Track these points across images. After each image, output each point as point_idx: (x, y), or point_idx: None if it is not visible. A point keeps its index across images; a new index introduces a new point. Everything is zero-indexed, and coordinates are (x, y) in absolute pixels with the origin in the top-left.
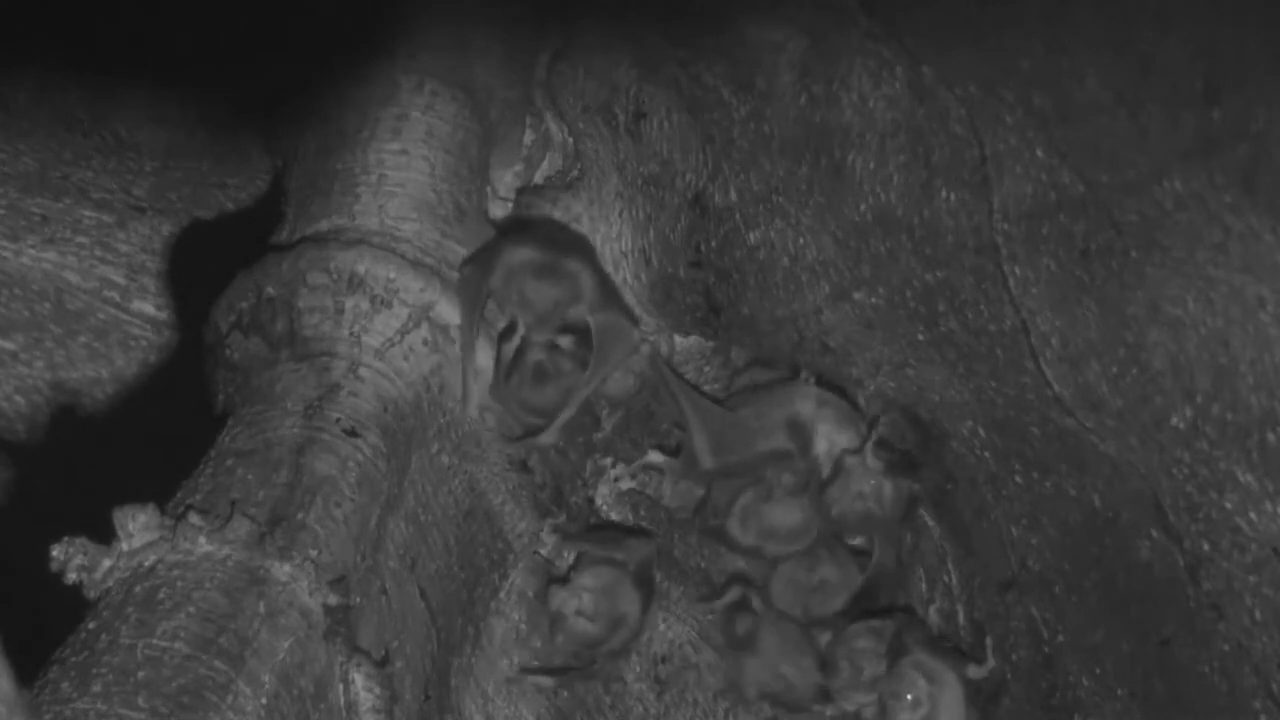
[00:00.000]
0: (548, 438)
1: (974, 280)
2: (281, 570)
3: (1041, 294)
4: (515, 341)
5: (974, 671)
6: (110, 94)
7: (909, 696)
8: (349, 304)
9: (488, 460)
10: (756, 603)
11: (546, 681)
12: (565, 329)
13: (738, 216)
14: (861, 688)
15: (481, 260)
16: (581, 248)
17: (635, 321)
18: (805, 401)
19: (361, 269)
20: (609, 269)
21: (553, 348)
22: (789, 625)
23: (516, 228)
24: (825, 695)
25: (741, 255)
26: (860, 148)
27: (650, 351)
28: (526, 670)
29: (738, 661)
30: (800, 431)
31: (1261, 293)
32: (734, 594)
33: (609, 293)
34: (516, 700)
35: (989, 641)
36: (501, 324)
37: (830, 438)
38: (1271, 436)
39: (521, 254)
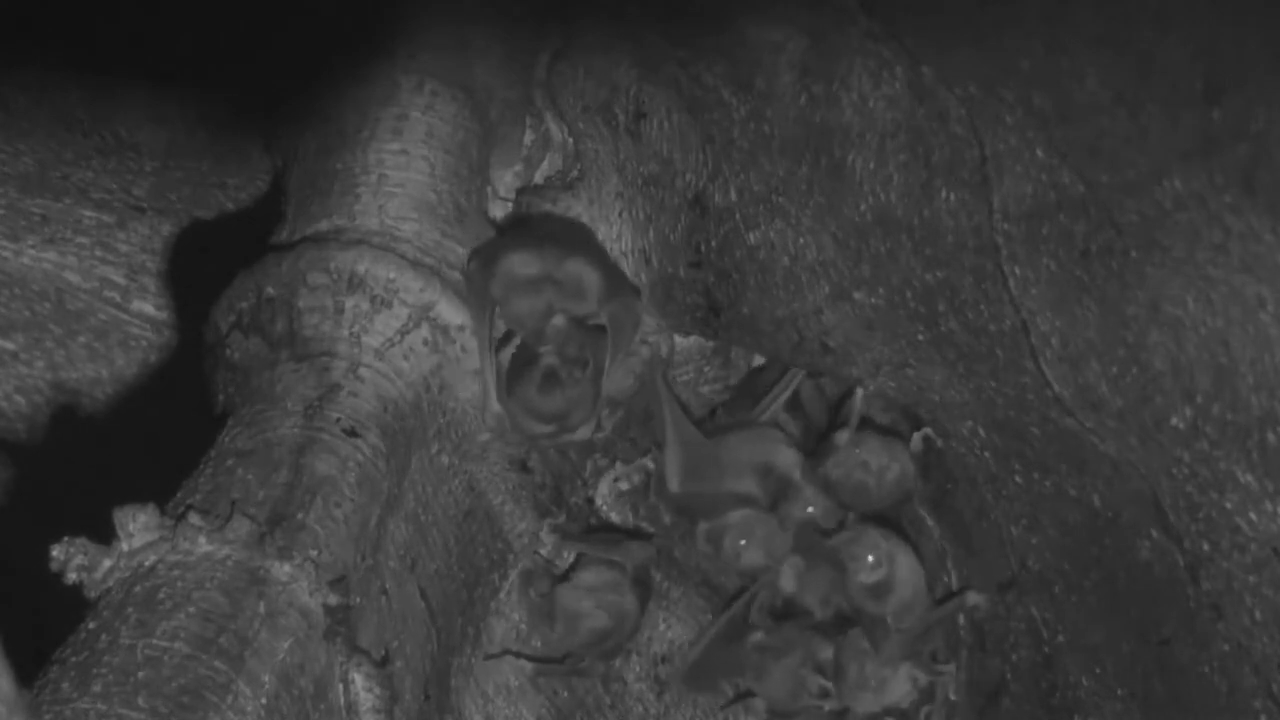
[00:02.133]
0: (583, 434)
1: (974, 280)
2: (281, 570)
3: (1041, 294)
4: (510, 349)
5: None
6: (110, 94)
7: (869, 558)
8: (349, 304)
9: (488, 460)
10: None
11: (527, 667)
12: (574, 330)
13: (738, 216)
14: (869, 687)
15: (484, 262)
16: (582, 243)
17: (639, 293)
18: (786, 454)
19: (361, 269)
20: None
21: (565, 354)
22: (798, 634)
23: (516, 229)
24: (824, 693)
25: (741, 255)
26: (860, 148)
27: (650, 355)
28: (509, 652)
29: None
30: (772, 482)
31: (1261, 293)
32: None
33: (614, 280)
34: (516, 700)
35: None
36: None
37: None
38: (1271, 436)
39: (517, 263)
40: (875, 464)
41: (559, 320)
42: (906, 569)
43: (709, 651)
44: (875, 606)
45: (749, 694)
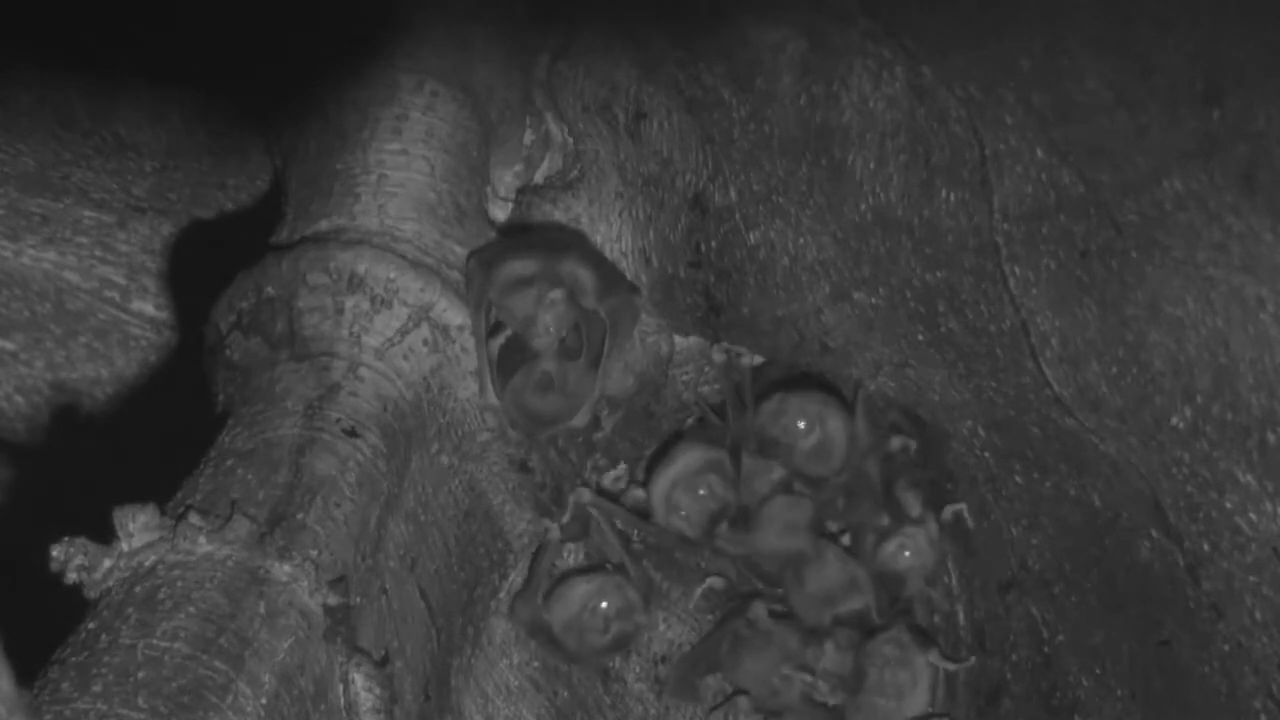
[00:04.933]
0: (580, 420)
1: (974, 280)
2: (281, 570)
3: (1041, 294)
4: (500, 339)
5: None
6: (110, 94)
7: (799, 424)
8: (349, 304)
9: (488, 460)
10: (755, 610)
11: (528, 666)
12: (570, 311)
13: (738, 216)
14: (887, 693)
15: (482, 265)
16: (579, 245)
17: (637, 291)
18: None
19: (361, 269)
20: None
21: (562, 357)
22: (786, 631)
23: (515, 235)
24: (810, 701)
25: (741, 255)
26: (860, 148)
27: (654, 348)
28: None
29: (734, 659)
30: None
31: (1261, 293)
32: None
33: (609, 278)
34: (516, 701)
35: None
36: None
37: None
38: (1271, 436)
39: (516, 268)
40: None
41: (556, 294)
42: (835, 427)
43: (696, 656)
44: (820, 468)
45: (738, 693)
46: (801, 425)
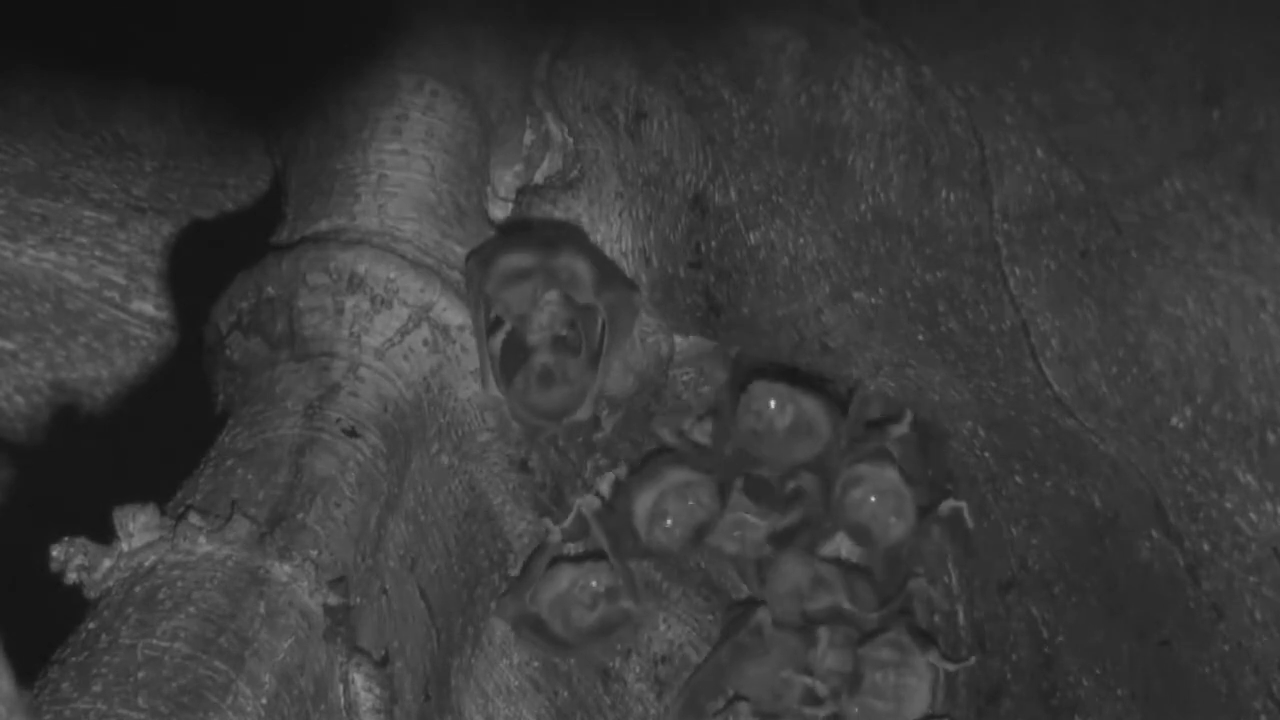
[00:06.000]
0: (584, 413)
1: (974, 280)
2: (281, 570)
3: (1041, 294)
4: (501, 335)
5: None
6: (110, 94)
7: (770, 403)
8: (349, 304)
9: (488, 460)
10: (761, 617)
11: (528, 666)
12: (567, 309)
13: (738, 216)
14: (885, 695)
15: (480, 262)
16: (573, 238)
17: (635, 288)
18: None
19: (361, 269)
20: None
21: (560, 351)
22: (785, 636)
23: (513, 231)
24: (813, 699)
25: (741, 255)
26: (860, 148)
27: (654, 348)
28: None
29: (738, 666)
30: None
31: (1261, 293)
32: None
33: (607, 272)
34: (516, 701)
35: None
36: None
37: None
38: (1271, 436)
39: (513, 261)
40: (887, 511)
41: (552, 295)
42: (814, 408)
43: (703, 679)
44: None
45: (736, 698)
46: (772, 404)
